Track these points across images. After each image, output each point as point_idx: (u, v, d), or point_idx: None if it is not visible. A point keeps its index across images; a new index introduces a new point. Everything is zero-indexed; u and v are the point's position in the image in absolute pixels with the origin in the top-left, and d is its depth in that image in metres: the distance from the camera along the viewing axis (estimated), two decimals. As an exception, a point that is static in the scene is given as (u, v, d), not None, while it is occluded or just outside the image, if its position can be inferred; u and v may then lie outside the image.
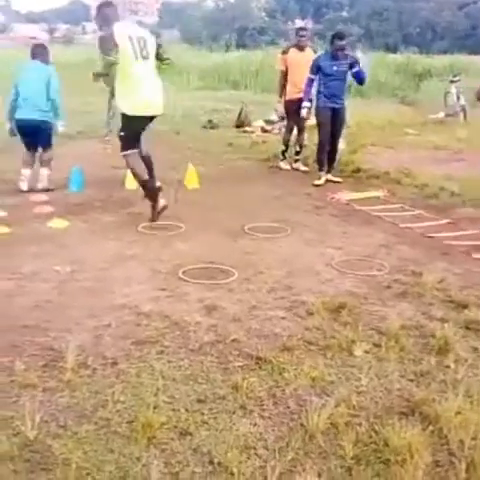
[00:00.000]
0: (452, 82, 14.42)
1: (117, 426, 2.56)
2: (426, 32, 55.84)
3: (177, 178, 7.37)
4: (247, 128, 12.01)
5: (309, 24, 72.33)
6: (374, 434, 2.55)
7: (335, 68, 7.29)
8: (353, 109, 13.24)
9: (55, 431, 2.52)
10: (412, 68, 21.66)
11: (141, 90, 5.37)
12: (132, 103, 5.37)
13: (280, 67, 8.31)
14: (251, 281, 4.24)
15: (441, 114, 13.87)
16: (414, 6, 56.87)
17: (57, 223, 5.47)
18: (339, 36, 7.42)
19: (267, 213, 6.00)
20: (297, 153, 8.43)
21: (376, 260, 4.73)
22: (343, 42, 7.35)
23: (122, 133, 5.51)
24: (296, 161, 8.38)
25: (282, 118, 12.56)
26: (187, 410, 2.68)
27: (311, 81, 7.39)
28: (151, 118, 5.57)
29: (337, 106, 7.43)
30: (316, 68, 7.35)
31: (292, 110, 8.14)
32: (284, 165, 8.38)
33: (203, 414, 2.66)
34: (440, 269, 4.55)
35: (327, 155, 7.56)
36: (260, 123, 12.21)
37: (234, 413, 2.68)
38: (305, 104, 7.51)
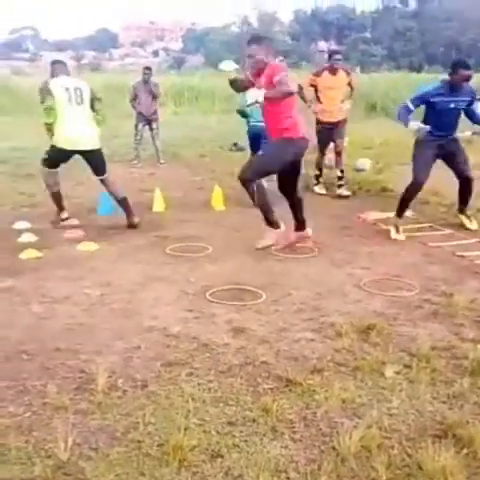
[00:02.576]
0: (478, 100, 14.33)
1: (148, 448, 2.56)
2: (450, 51, 55.69)
3: (204, 200, 7.45)
4: (272, 150, 12.06)
5: (332, 46, 72.92)
6: (407, 457, 2.51)
7: (452, 105, 5.86)
8: (379, 128, 13.28)
9: (87, 453, 2.53)
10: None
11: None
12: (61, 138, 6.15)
13: (305, 85, 7.88)
14: (279, 302, 4.24)
15: (468, 132, 13.77)
16: (437, 26, 56.90)
17: (86, 246, 5.55)
18: (464, 64, 5.80)
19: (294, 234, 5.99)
20: (339, 178, 8.01)
21: (405, 280, 4.69)
22: (470, 71, 5.78)
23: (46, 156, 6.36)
24: (339, 186, 7.99)
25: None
26: (218, 432, 2.68)
27: (408, 111, 5.89)
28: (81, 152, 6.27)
29: (445, 141, 6.07)
30: (421, 102, 5.92)
31: (323, 134, 7.96)
32: (319, 190, 8.10)
33: (234, 436, 2.65)
34: (471, 289, 4.49)
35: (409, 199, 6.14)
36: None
37: (265, 435, 2.66)
38: (412, 124, 5.86)
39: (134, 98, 10.96)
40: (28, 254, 5.29)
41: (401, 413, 2.84)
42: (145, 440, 2.62)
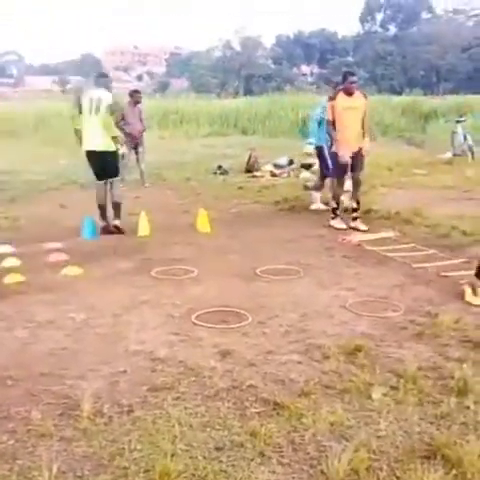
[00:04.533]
0: (458, 122, 14.59)
1: (134, 475, 2.52)
2: (430, 74, 56.74)
3: (189, 222, 7.46)
4: (256, 173, 12.16)
5: (314, 69, 73.87)
6: (396, 479, 2.50)
7: None
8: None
9: (72, 482, 2.48)
10: (418, 110, 21.95)
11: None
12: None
13: (329, 117, 7.33)
14: (265, 325, 4.22)
15: (448, 154, 13.98)
16: (418, 50, 57.93)
17: (71, 271, 5.51)
18: None
19: (279, 255, 6.02)
20: (354, 210, 7.42)
21: (391, 301, 4.70)
22: None
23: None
24: (354, 219, 7.37)
25: (291, 162, 12.76)
26: (205, 458, 2.64)
27: None
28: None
29: None
30: None
31: (342, 166, 7.33)
32: (338, 224, 7.35)
33: (221, 462, 2.62)
34: (456, 309, 4.51)
35: None
36: (269, 167, 12.38)
37: (253, 460, 2.63)
38: None
39: (120, 120, 10.97)
40: (11, 278, 5.24)
41: (389, 435, 2.83)
42: (131, 466, 2.58)
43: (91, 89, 7.25)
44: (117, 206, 7.32)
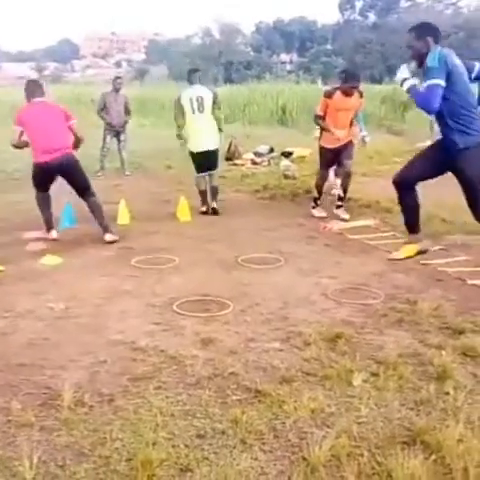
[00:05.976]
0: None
1: (116, 464, 2.51)
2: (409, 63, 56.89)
3: (170, 211, 7.42)
4: (237, 161, 12.13)
5: (294, 58, 73.73)
6: (376, 465, 2.52)
7: None
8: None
9: (53, 471, 2.47)
10: (397, 98, 22.00)
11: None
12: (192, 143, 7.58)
13: (319, 112, 7.21)
14: (247, 313, 4.23)
15: (428, 142, 14.04)
16: (397, 38, 58.00)
17: (50, 260, 5.46)
18: None
19: (260, 244, 6.02)
20: (340, 199, 7.47)
21: (371, 289, 4.74)
22: None
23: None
24: (338, 207, 7.45)
25: (271, 150, 12.75)
26: (187, 446, 2.64)
27: None
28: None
29: None
30: None
31: (328, 159, 7.40)
32: (318, 213, 7.47)
33: (203, 450, 2.62)
34: (435, 296, 4.56)
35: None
36: (250, 156, 12.35)
37: (234, 448, 2.64)
38: None
39: (102, 108, 10.82)
40: (-11, 268, 5.18)
41: (370, 421, 2.86)
42: (113, 456, 2.57)
43: (188, 88, 7.42)
44: (216, 190, 7.72)
